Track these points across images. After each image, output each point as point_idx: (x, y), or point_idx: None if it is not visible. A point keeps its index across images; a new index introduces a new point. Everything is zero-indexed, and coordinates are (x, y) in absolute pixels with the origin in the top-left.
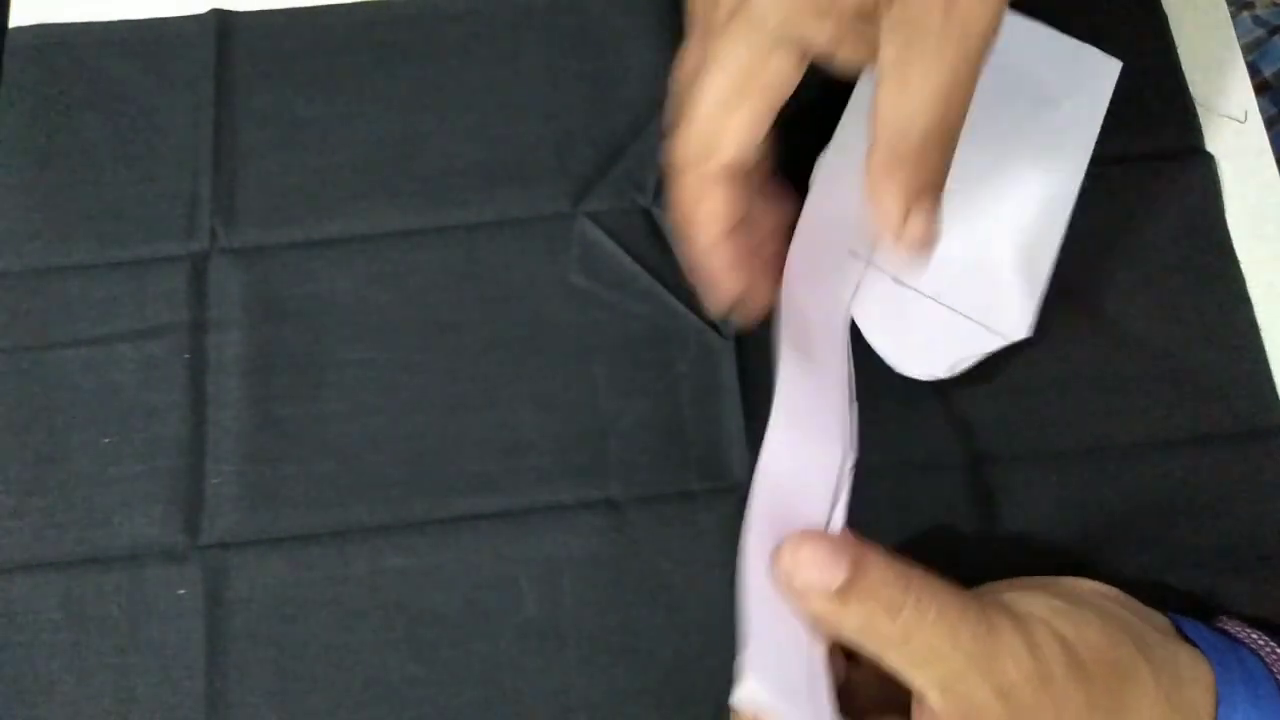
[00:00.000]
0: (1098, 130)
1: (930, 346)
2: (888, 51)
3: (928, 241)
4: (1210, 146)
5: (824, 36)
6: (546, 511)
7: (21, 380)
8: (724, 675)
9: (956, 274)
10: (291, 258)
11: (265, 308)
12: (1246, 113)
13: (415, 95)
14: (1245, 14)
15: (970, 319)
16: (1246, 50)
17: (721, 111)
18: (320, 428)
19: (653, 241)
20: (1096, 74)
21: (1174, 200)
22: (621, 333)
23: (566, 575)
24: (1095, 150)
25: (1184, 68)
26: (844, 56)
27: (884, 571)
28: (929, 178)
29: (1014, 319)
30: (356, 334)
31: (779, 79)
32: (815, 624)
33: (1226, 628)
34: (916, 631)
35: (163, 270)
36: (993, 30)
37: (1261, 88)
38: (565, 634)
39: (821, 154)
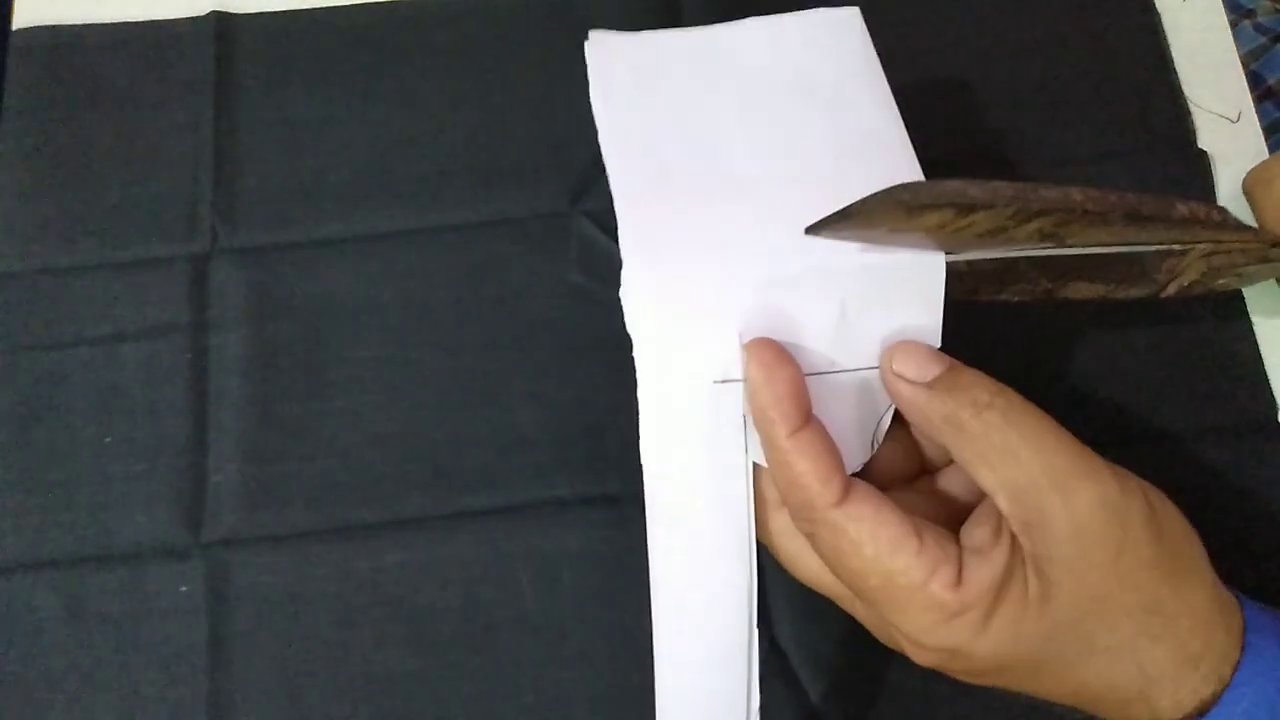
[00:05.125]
0: (882, 73)
1: (848, 430)
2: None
3: None
4: (1206, 147)
5: None
6: (545, 507)
7: (24, 380)
8: None
9: (843, 332)
10: (292, 257)
11: (266, 307)
12: (1240, 113)
13: (414, 96)
14: (1246, 22)
15: (874, 369)
16: (1250, 58)
17: None
18: (321, 426)
19: None
20: (843, 29)
21: None
22: (619, 330)
23: (566, 571)
24: (1090, 148)
25: (1179, 69)
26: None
27: (977, 377)
28: None
29: (920, 326)
30: (356, 333)
31: None
32: (905, 410)
33: None
34: (997, 431)
35: (164, 270)
36: None
37: (1265, 96)
38: (565, 629)
39: (623, 291)
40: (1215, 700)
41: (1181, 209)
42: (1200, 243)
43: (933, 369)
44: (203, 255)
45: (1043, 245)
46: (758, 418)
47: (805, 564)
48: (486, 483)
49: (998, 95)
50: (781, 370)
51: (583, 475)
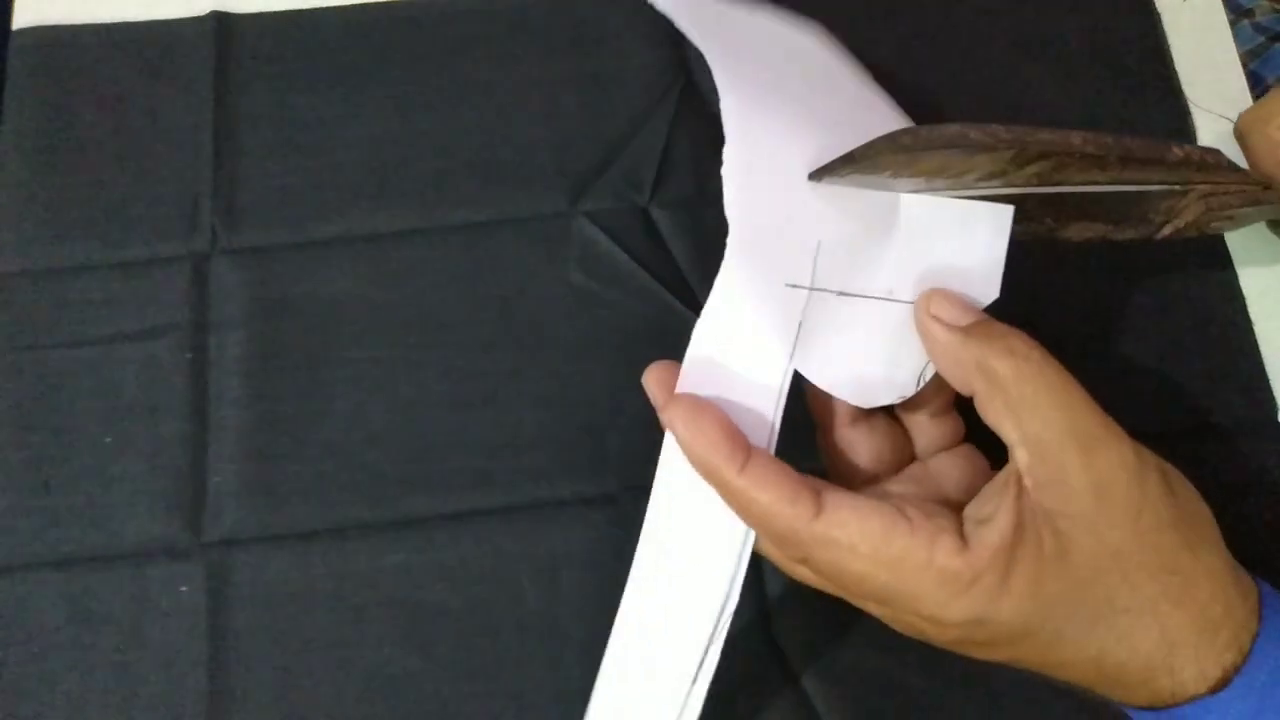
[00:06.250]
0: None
1: (893, 360)
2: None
3: None
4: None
5: None
6: (546, 507)
7: (24, 380)
8: (723, 670)
9: (904, 260)
10: (292, 257)
11: (266, 307)
12: (1240, 113)
13: (415, 96)
14: (1245, 21)
15: None
16: (1248, 58)
17: None
18: (321, 426)
19: (650, 240)
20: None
21: None
22: (620, 330)
23: (566, 571)
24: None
25: (1179, 69)
26: None
27: (1012, 329)
28: None
29: (979, 282)
30: (357, 333)
31: None
32: (936, 356)
33: None
34: (1029, 382)
35: (164, 270)
36: None
37: (1265, 95)
38: (565, 629)
39: (725, 172)
40: (1237, 671)
41: (1177, 152)
42: (1200, 183)
43: (968, 315)
44: (203, 255)
45: (1041, 188)
46: (703, 471)
47: (803, 573)
48: (487, 483)
49: (996, 95)
50: (706, 416)
51: (583, 475)
